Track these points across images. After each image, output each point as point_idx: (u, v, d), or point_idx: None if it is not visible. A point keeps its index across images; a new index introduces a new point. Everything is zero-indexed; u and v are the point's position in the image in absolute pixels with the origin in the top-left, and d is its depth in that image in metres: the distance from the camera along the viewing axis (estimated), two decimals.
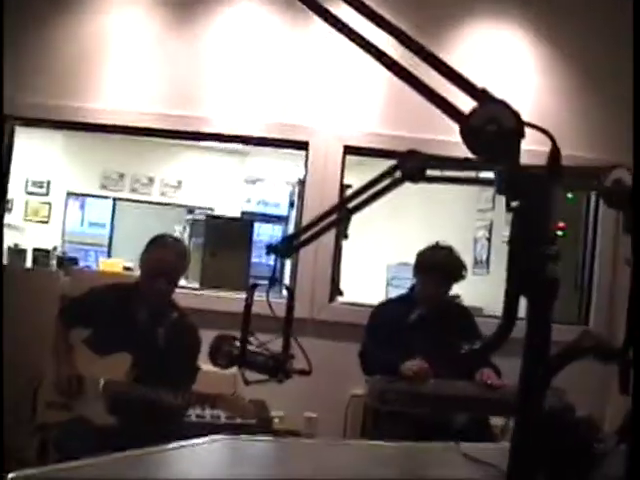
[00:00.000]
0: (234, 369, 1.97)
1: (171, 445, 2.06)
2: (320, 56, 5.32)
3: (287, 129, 5.33)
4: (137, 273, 3.85)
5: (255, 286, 1.97)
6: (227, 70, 5.33)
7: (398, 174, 1.78)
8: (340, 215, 1.99)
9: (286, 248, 2.07)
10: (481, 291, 6.23)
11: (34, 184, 9.86)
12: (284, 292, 2.12)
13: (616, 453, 1.56)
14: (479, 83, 1.25)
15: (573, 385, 3.19)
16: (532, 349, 1.17)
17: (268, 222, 9.91)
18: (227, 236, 5.90)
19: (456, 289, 4.31)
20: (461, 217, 7.65)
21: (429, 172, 1.78)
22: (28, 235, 8.91)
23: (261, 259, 7.48)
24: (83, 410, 3.43)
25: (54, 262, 6.47)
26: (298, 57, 5.34)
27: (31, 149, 8.76)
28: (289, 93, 5.33)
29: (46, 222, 9.98)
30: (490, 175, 1.41)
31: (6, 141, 5.34)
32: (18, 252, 6.50)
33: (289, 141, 5.42)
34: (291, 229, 8.10)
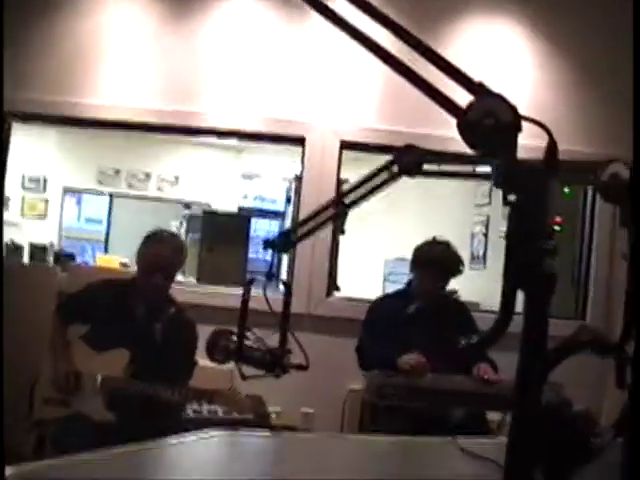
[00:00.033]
0: (231, 364, 1.97)
1: (168, 440, 2.07)
2: (316, 51, 5.32)
3: (284, 124, 5.33)
4: (134, 269, 3.84)
5: (252, 281, 1.97)
6: (224, 66, 5.33)
7: (395, 169, 1.78)
8: (337, 210, 1.99)
9: (283, 243, 2.07)
10: (478, 286, 6.23)
11: (30, 180, 9.84)
12: (281, 287, 2.12)
13: (613, 447, 1.56)
14: (476, 78, 1.25)
15: (570, 380, 3.19)
16: (529, 343, 1.16)
17: (265, 218, 9.90)
18: (224, 231, 5.90)
19: (453, 284, 4.32)
20: (458, 212, 7.66)
21: (426, 167, 1.78)
22: (25, 231, 8.89)
23: (258, 255, 7.48)
24: (81, 406, 3.42)
25: (51, 258, 6.47)
26: (295, 52, 5.34)
27: (27, 145, 8.74)
28: (285, 88, 5.33)
29: (43, 218, 9.96)
30: (487, 169, 1.41)
31: (3, 137, 5.33)
32: (15, 248, 6.49)
33: (286, 136, 5.42)
34: (288, 225, 8.10)
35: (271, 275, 2.06)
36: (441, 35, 5.22)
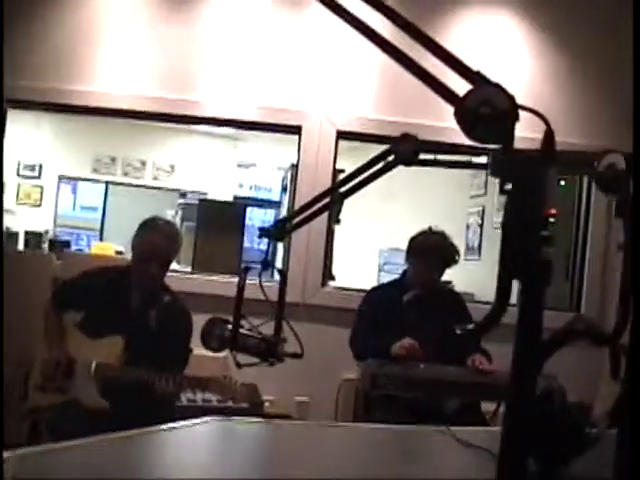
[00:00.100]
0: (226, 352, 1.98)
1: (162, 427, 2.07)
2: (313, 40, 5.31)
3: (280, 113, 5.32)
4: (129, 257, 3.84)
5: (248, 269, 1.96)
6: (220, 54, 5.31)
7: (391, 158, 1.78)
8: (333, 199, 1.99)
9: (279, 231, 2.06)
10: (473, 277, 6.25)
11: (26, 167, 9.84)
12: (276, 276, 2.12)
13: (607, 437, 1.57)
14: (474, 67, 1.24)
15: (563, 372, 3.19)
16: (524, 332, 1.17)
17: (260, 207, 9.92)
18: (219, 220, 5.89)
19: (448, 275, 4.32)
20: (453, 203, 7.67)
21: (422, 156, 1.78)
22: (20, 218, 8.89)
23: (253, 244, 7.48)
24: (75, 393, 3.42)
25: (46, 245, 6.46)
26: (291, 41, 5.33)
27: (23, 132, 8.74)
28: (282, 77, 5.32)
29: (38, 206, 9.96)
30: (483, 159, 1.41)
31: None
32: (10, 235, 6.48)
33: (282, 125, 5.41)
34: (283, 214, 8.10)
35: (266, 263, 2.06)
36: (439, 25, 5.21)
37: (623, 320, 1.40)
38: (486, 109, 1.17)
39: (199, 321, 2.08)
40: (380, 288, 4.63)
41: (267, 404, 4.59)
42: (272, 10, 5.34)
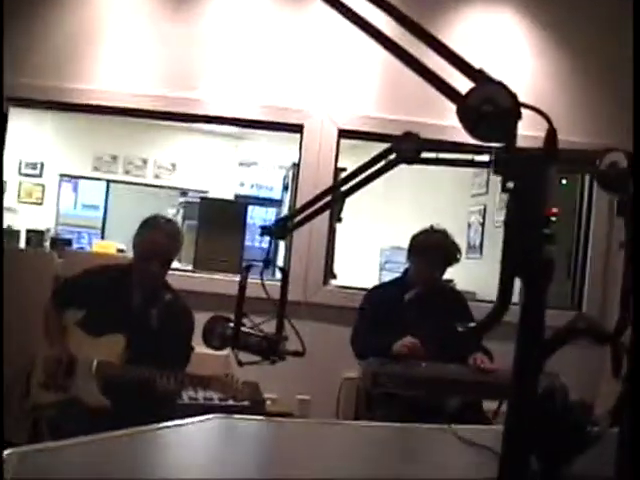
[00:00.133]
0: (227, 350, 1.98)
1: (165, 425, 2.07)
2: (315, 39, 5.31)
3: (282, 112, 5.32)
4: (130, 255, 3.84)
5: (249, 267, 1.96)
6: (222, 52, 5.31)
7: (393, 156, 1.78)
8: (334, 197, 1.99)
9: (280, 230, 2.06)
10: (474, 276, 6.24)
11: (27, 165, 9.84)
12: (277, 275, 2.12)
13: (609, 436, 1.57)
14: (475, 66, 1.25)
15: (564, 370, 3.19)
16: (527, 331, 1.17)
17: (262, 205, 9.91)
18: (221, 218, 5.89)
19: (449, 274, 4.32)
20: (454, 202, 7.66)
21: (424, 155, 1.78)
22: (22, 217, 8.90)
23: (254, 243, 7.47)
24: (76, 391, 3.42)
25: (47, 244, 6.46)
26: (293, 40, 5.33)
27: (24, 130, 8.73)
28: (284, 76, 5.32)
29: (40, 204, 9.96)
30: (485, 158, 1.41)
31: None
32: (12, 233, 6.49)
33: (283, 124, 5.41)
34: (285, 212, 8.09)
35: (268, 262, 2.06)
36: (440, 23, 5.21)
37: (625, 318, 1.40)
38: (489, 107, 1.17)
39: (200, 319, 2.09)
40: (381, 287, 4.63)
41: (269, 402, 4.59)
42: (274, 8, 5.33)
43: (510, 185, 1.17)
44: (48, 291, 3.90)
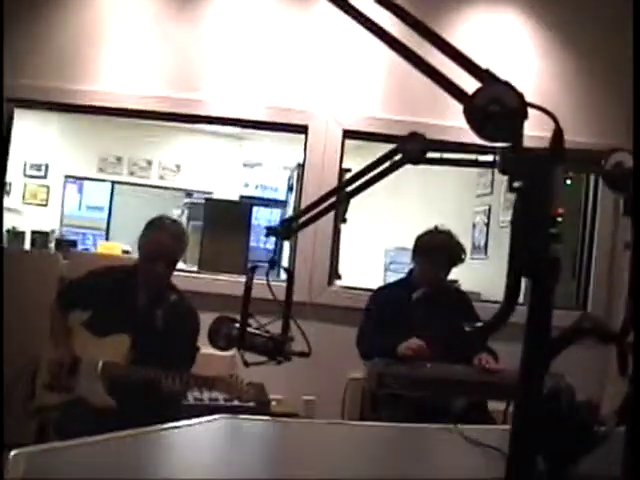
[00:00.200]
0: (233, 351, 1.98)
1: (170, 425, 2.07)
2: (320, 39, 5.31)
3: (286, 113, 5.32)
4: (136, 256, 3.84)
5: (255, 268, 1.97)
6: (226, 53, 5.31)
7: (398, 157, 1.78)
8: (339, 198, 1.99)
9: (285, 230, 2.07)
10: (479, 276, 6.25)
11: (32, 167, 9.85)
12: (282, 275, 2.13)
13: (615, 435, 1.57)
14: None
15: (570, 370, 3.19)
16: (533, 331, 1.17)
17: (266, 206, 9.92)
18: (225, 219, 5.89)
19: (454, 274, 4.32)
20: (459, 202, 7.66)
21: (429, 155, 1.78)
22: (26, 218, 8.91)
23: (259, 243, 7.48)
24: (82, 392, 3.43)
25: (52, 245, 6.47)
26: (298, 40, 5.33)
27: (30, 132, 8.75)
28: (288, 76, 5.32)
29: (44, 205, 9.97)
30: (490, 158, 1.41)
31: (5, 123, 5.32)
32: (16, 235, 6.49)
33: (288, 125, 5.41)
34: (289, 213, 8.10)
35: (274, 262, 2.06)
36: (444, 23, 5.20)
37: (630, 318, 1.40)
38: (495, 107, 1.17)
39: (206, 320, 2.09)
40: (386, 288, 4.63)
41: (274, 403, 4.59)
42: (278, 9, 5.33)
43: (517, 185, 1.17)
44: (53, 292, 3.91)
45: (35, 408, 3.52)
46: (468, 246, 5.79)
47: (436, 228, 4.24)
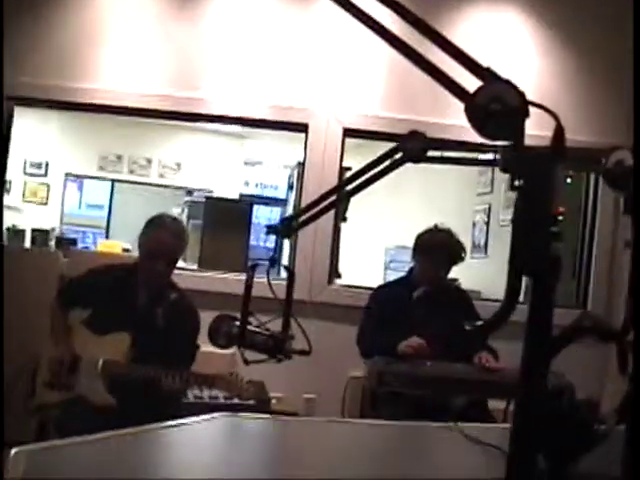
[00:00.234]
0: (233, 349, 1.98)
1: (170, 423, 2.07)
2: (320, 38, 5.31)
3: (287, 111, 5.32)
4: (136, 254, 3.84)
5: (255, 266, 1.97)
6: (227, 51, 5.31)
7: (398, 155, 1.78)
8: (339, 197, 1.99)
9: (285, 229, 2.07)
10: (479, 274, 6.25)
11: (32, 165, 9.85)
12: (283, 273, 2.13)
13: (616, 434, 1.57)
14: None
15: (569, 369, 3.19)
16: (534, 329, 1.17)
17: (267, 204, 9.91)
18: (226, 218, 5.89)
19: (454, 273, 4.32)
20: (459, 201, 7.66)
21: (429, 153, 1.78)
22: (27, 216, 8.91)
23: (259, 242, 7.47)
24: (82, 390, 3.43)
25: (52, 243, 6.47)
26: (298, 38, 5.33)
27: (30, 130, 8.75)
28: (289, 75, 5.32)
29: (45, 203, 9.97)
30: (490, 156, 1.41)
31: (5, 121, 5.32)
32: (17, 233, 6.50)
33: (288, 123, 5.41)
34: (290, 212, 8.09)
35: (274, 261, 2.06)
36: (445, 22, 5.19)
37: (630, 317, 1.40)
38: (497, 105, 1.17)
39: (206, 318, 2.09)
40: (387, 286, 4.63)
41: (274, 401, 4.58)
42: (279, 7, 5.33)
43: (518, 183, 1.17)
44: (53, 291, 3.91)
45: (35, 406, 3.52)
46: (468, 245, 5.79)
47: (436, 227, 4.24)
